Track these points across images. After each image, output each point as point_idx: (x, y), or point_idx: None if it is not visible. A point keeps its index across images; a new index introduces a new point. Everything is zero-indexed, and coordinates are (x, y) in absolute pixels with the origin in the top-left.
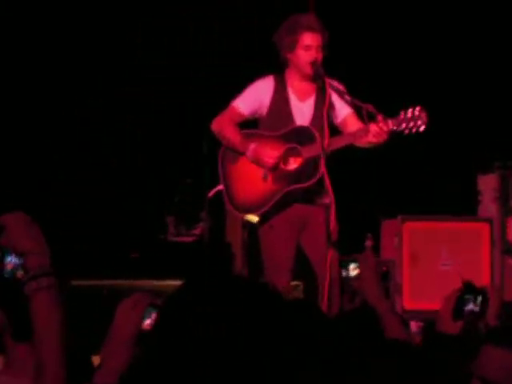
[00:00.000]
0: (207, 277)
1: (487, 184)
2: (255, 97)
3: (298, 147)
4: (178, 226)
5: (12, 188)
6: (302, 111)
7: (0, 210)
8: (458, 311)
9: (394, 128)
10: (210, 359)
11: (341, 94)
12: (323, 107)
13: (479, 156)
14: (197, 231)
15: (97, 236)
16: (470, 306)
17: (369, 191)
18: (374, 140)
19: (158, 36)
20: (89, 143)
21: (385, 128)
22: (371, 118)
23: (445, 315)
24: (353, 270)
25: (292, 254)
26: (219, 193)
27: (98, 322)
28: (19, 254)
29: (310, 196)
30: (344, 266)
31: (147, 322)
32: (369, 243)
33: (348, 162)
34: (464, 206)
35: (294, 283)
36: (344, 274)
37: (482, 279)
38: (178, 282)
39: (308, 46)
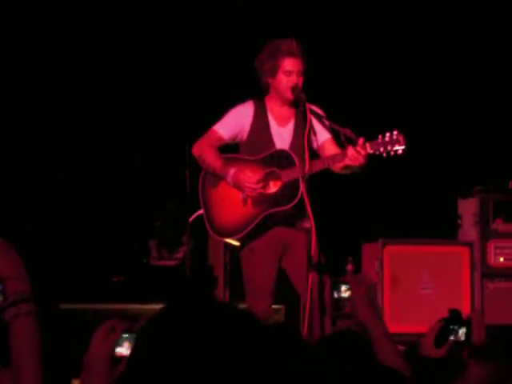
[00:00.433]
0: (186, 302)
1: (467, 208)
2: (236, 121)
3: (278, 171)
4: (160, 250)
5: None
6: (282, 136)
7: None
8: (441, 340)
9: (372, 151)
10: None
11: (320, 119)
12: (303, 132)
13: (459, 180)
14: (179, 255)
15: (79, 260)
16: (454, 336)
17: (350, 215)
18: (351, 163)
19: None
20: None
21: (362, 152)
22: (350, 142)
23: (428, 342)
24: (344, 292)
25: (273, 278)
26: (200, 217)
27: (80, 346)
28: None
29: (290, 219)
30: (336, 287)
31: (122, 348)
32: (350, 267)
33: (329, 185)
34: (444, 229)
35: (275, 307)
36: (336, 295)
37: (463, 303)
38: (160, 306)
39: (289, 72)
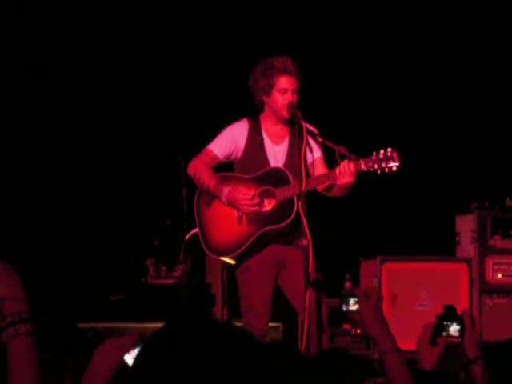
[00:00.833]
0: (184, 321)
1: (465, 225)
2: (230, 141)
3: (272, 189)
4: (157, 269)
5: None
6: (277, 154)
7: None
8: (435, 337)
9: (366, 168)
10: None
11: (314, 137)
12: (298, 150)
13: (457, 197)
14: (177, 273)
15: (78, 279)
16: (446, 333)
17: (348, 232)
18: (341, 181)
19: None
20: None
21: (352, 168)
22: (344, 160)
23: (423, 341)
24: (353, 305)
25: (268, 296)
26: (195, 235)
27: (78, 365)
28: None
29: (285, 237)
30: (345, 301)
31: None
32: (348, 284)
33: (327, 202)
34: (442, 246)
35: (274, 324)
36: (344, 308)
37: None
38: (159, 325)
39: (284, 90)
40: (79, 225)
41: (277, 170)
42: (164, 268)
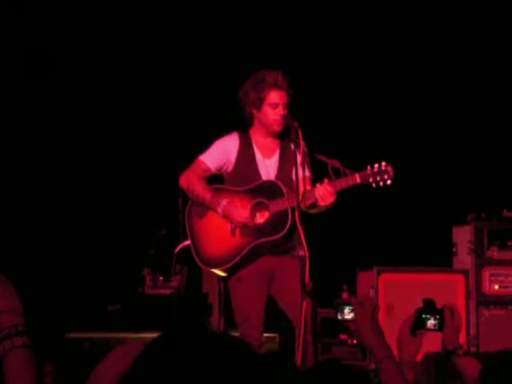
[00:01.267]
0: (180, 331)
1: (462, 236)
2: (223, 153)
3: (266, 202)
4: (154, 279)
5: None
6: (268, 167)
7: None
8: (415, 329)
9: (361, 182)
10: None
11: (303, 154)
12: (288, 163)
13: (454, 208)
14: (174, 283)
15: (75, 290)
16: (424, 326)
17: (345, 243)
18: (325, 203)
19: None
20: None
21: (330, 189)
22: (337, 175)
23: (403, 334)
24: (348, 314)
25: (261, 306)
26: (187, 247)
27: (78, 375)
28: None
29: (278, 248)
30: (340, 310)
31: None
32: (345, 295)
33: (324, 213)
34: (439, 257)
35: (270, 335)
36: (339, 317)
37: None
38: (156, 334)
39: (275, 104)
40: (77, 235)
41: (270, 182)
42: (161, 278)
